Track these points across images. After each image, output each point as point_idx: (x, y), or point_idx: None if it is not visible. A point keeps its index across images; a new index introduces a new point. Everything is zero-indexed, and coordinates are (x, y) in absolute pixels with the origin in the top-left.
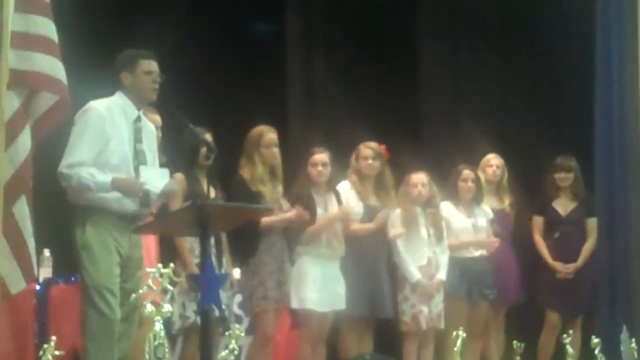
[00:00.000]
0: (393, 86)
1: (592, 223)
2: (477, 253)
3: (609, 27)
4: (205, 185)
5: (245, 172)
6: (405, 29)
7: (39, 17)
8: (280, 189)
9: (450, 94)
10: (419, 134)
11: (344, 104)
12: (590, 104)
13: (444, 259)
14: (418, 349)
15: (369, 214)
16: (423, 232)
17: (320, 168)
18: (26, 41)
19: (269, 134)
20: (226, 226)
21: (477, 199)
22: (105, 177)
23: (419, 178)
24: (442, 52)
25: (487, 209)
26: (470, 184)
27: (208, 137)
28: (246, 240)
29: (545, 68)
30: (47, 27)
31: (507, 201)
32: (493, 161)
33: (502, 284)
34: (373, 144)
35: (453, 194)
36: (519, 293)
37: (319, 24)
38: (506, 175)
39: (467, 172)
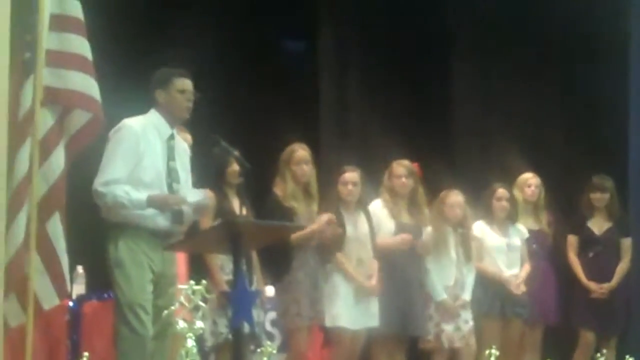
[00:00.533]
0: (425, 103)
1: (626, 243)
2: (511, 272)
3: None
4: (236, 203)
5: (278, 190)
6: (437, 46)
7: (73, 36)
8: (315, 206)
9: (482, 112)
10: (451, 151)
11: (376, 121)
12: (625, 123)
13: (470, 279)
14: None
15: (402, 231)
16: (452, 252)
17: (350, 187)
18: (60, 59)
19: (300, 151)
20: (258, 244)
21: (512, 217)
22: (140, 195)
23: (457, 199)
24: (475, 69)
25: (522, 229)
26: (504, 202)
27: (237, 154)
28: (279, 258)
29: (579, 86)
30: (82, 45)
31: (544, 220)
32: (531, 181)
33: (541, 303)
34: (406, 162)
35: (487, 213)
36: (558, 313)
37: (352, 41)
38: (543, 194)
39: (501, 191)
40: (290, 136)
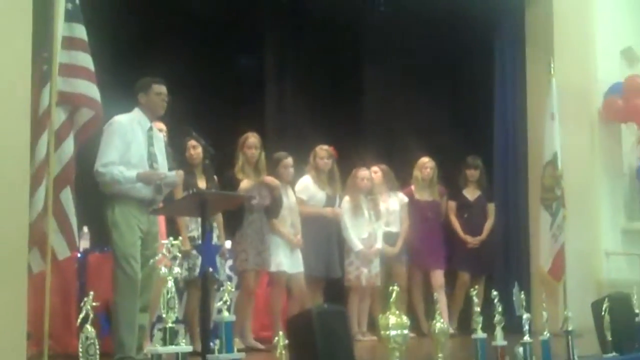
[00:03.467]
0: (342, 104)
1: (491, 207)
2: (388, 229)
3: (505, 66)
4: (201, 179)
5: (235, 168)
6: (353, 61)
7: (80, 53)
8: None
9: (386, 107)
10: (361, 137)
11: (306, 116)
12: (491, 115)
13: (380, 233)
14: (359, 301)
15: (328, 200)
16: (365, 213)
17: (290, 169)
18: (70, 70)
19: (250, 138)
20: (219, 209)
21: (391, 188)
22: (130, 173)
23: (364, 173)
24: (383, 82)
25: (401, 196)
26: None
27: (204, 142)
28: (234, 219)
29: (460, 89)
30: (86, 60)
31: (437, 193)
32: (428, 164)
33: (433, 254)
34: (326, 147)
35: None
36: (445, 260)
37: (289, 57)
38: (436, 173)
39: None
40: (243, 128)
